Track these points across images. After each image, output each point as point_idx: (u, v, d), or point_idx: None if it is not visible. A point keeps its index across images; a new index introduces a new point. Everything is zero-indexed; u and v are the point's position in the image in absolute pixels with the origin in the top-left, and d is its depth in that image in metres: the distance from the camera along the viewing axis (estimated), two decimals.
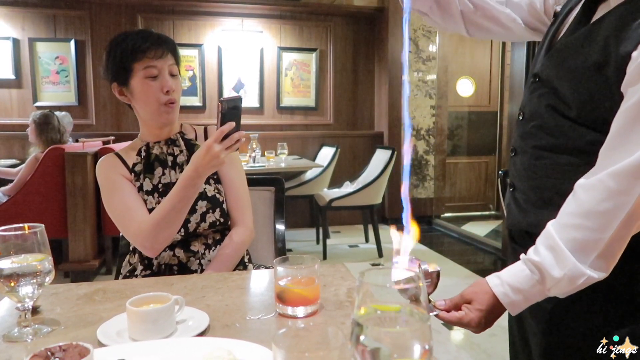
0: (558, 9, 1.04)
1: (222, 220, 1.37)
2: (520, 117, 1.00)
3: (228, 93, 5.04)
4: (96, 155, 3.38)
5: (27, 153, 3.83)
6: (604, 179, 0.76)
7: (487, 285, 0.85)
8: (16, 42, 4.58)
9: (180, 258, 1.34)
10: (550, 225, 0.82)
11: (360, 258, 3.95)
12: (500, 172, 1.94)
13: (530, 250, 0.83)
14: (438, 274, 0.86)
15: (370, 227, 4.17)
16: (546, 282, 0.80)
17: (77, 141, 3.76)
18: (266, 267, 1.54)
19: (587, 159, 0.83)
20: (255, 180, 1.78)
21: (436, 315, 0.86)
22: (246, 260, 1.46)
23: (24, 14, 4.60)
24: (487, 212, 5.64)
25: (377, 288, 0.55)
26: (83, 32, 4.71)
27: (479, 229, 4.83)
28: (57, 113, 3.60)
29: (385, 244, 3.98)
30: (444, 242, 4.56)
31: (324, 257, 3.90)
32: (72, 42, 4.65)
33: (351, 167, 4.95)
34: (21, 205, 3.26)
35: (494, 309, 0.84)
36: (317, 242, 4.36)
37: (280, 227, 1.71)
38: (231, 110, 1.13)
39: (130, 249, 1.41)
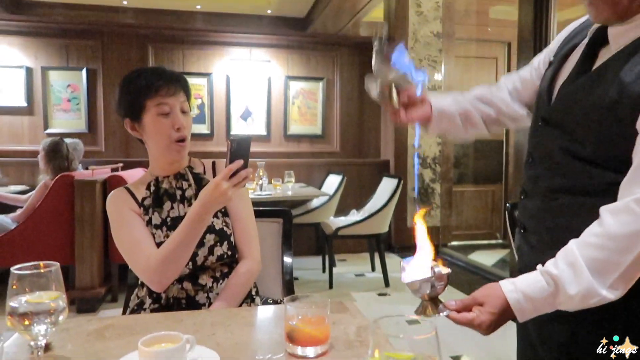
0: (552, 58, 1.07)
1: (229, 253, 1.38)
2: (530, 160, 1.02)
3: (236, 121, 5.11)
4: (105, 183, 3.41)
5: (37, 180, 3.87)
6: (631, 205, 0.78)
7: (500, 289, 0.85)
8: (29, 71, 4.69)
9: (189, 291, 1.34)
10: (573, 242, 0.83)
11: (366, 287, 3.92)
12: (507, 204, 1.94)
13: (549, 263, 0.84)
14: (449, 276, 0.88)
15: (376, 255, 4.15)
16: (559, 296, 0.81)
17: (86, 168, 3.80)
18: (274, 301, 1.54)
19: (602, 199, 0.84)
20: (263, 211, 1.79)
21: (447, 316, 0.87)
22: (253, 293, 1.46)
23: (37, 44, 4.72)
24: (494, 241, 5.61)
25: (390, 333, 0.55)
26: (95, 61, 4.81)
27: (486, 258, 4.79)
28: (67, 140, 3.65)
29: (391, 273, 3.95)
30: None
31: (330, 286, 3.87)
32: (84, 71, 4.75)
33: (357, 195, 4.96)
34: (29, 232, 3.28)
35: (505, 313, 0.84)
36: (323, 271, 4.33)
37: (288, 259, 1.71)
38: (240, 149, 1.16)
39: (139, 282, 1.41)
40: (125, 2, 8.84)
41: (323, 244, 4.35)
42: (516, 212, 1.12)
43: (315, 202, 4.51)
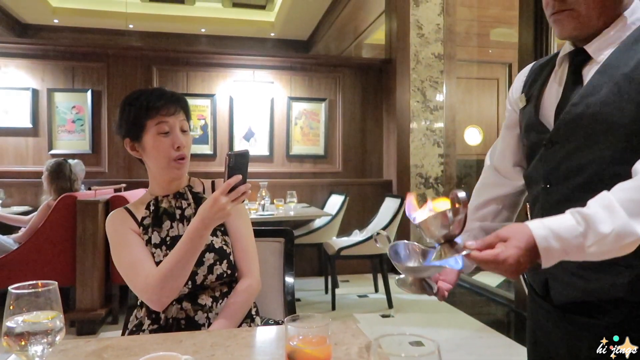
0: (523, 93, 1.10)
1: (229, 272, 1.37)
2: (546, 186, 0.99)
3: (239, 142, 5.13)
4: (107, 204, 3.41)
5: (40, 200, 3.87)
6: None
7: (526, 227, 0.78)
8: (35, 93, 4.74)
9: (188, 311, 1.33)
10: (605, 191, 0.79)
11: (369, 309, 3.87)
12: None
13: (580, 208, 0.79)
14: (466, 203, 0.76)
15: (379, 276, 4.11)
16: (589, 236, 0.75)
17: (89, 189, 3.81)
18: (275, 321, 1.52)
19: None
20: (264, 231, 1.78)
21: (466, 256, 0.78)
22: (253, 312, 1.44)
23: (44, 66, 4.79)
24: None
25: (392, 350, 0.54)
26: (100, 83, 4.87)
27: (491, 279, 4.74)
28: (69, 161, 3.67)
29: (395, 294, 3.91)
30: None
31: (333, 308, 3.83)
32: (89, 92, 4.80)
33: (360, 215, 4.94)
34: (31, 253, 3.27)
35: (532, 252, 0.77)
36: (326, 292, 4.29)
37: (290, 279, 1.70)
38: (238, 164, 1.16)
39: (138, 302, 1.40)
40: (131, 26, 9.00)
41: (325, 264, 4.32)
42: None
43: (317, 222, 4.50)
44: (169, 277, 1.22)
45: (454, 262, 0.83)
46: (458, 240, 0.80)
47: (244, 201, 1.20)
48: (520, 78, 1.15)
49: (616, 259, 0.86)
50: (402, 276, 0.93)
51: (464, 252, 0.77)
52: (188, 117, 1.39)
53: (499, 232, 0.79)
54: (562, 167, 0.95)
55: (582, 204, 0.90)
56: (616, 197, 0.76)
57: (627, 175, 0.82)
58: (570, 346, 0.96)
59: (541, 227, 0.77)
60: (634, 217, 0.74)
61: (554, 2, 0.94)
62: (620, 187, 0.77)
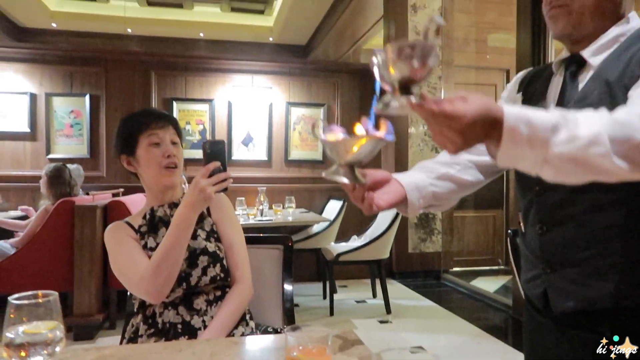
0: (519, 94, 1.10)
1: (222, 275, 1.42)
2: (541, 190, 0.97)
3: (237, 146, 5.13)
4: (105, 209, 3.41)
5: (38, 205, 3.87)
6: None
7: (495, 103, 0.70)
8: (33, 97, 4.74)
9: (184, 316, 1.36)
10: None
11: (367, 314, 3.87)
12: (509, 231, 1.93)
13: None
14: (439, 29, 0.62)
15: (377, 282, 4.11)
16: (561, 132, 0.68)
17: (87, 193, 3.80)
18: (274, 329, 1.53)
19: None
20: (263, 238, 1.78)
21: (418, 105, 0.66)
22: (247, 317, 1.47)
23: (42, 70, 4.78)
24: (495, 267, 5.56)
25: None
26: (98, 88, 4.87)
27: (489, 285, 4.75)
28: (68, 165, 3.66)
29: (393, 300, 3.91)
30: (453, 298, 4.47)
31: (331, 313, 3.82)
32: (87, 97, 4.80)
33: (358, 221, 4.93)
34: (29, 258, 3.26)
35: (490, 124, 0.67)
36: (324, 297, 4.28)
37: (289, 287, 1.70)
38: (215, 151, 1.24)
39: (135, 309, 1.43)
40: (129, 30, 9.01)
41: (324, 270, 4.31)
42: (517, 239, 1.10)
43: (316, 228, 4.50)
44: (162, 266, 1.27)
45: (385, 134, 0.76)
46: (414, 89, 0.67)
47: (227, 189, 1.25)
48: (515, 80, 1.15)
49: (616, 263, 0.86)
50: (333, 167, 0.84)
51: (415, 101, 0.65)
52: (178, 132, 1.49)
53: (461, 93, 0.68)
54: None
55: (580, 206, 0.90)
56: (602, 118, 0.71)
57: None
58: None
59: (514, 109, 0.69)
60: (613, 132, 0.68)
61: None
62: (612, 114, 0.73)
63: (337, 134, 0.81)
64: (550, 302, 0.98)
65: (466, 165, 1.07)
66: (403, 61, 0.64)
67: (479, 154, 1.08)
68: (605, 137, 0.68)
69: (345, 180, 0.83)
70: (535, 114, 0.69)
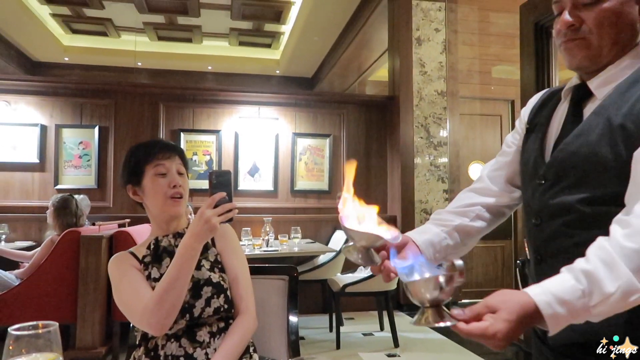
0: (528, 126, 1.10)
1: (226, 306, 1.40)
2: (538, 222, 0.98)
3: (243, 177, 5.15)
4: (111, 239, 3.40)
5: (44, 236, 3.87)
6: None
7: (518, 295, 0.74)
8: (43, 128, 4.81)
9: (187, 348, 1.34)
10: (603, 239, 0.76)
11: (375, 347, 3.79)
12: (518, 261, 1.90)
13: (580, 260, 0.75)
14: (462, 272, 0.72)
15: (385, 314, 4.03)
16: (594, 295, 0.71)
17: (93, 224, 3.81)
18: None
19: None
20: (268, 268, 1.76)
21: (453, 327, 0.73)
22: (251, 350, 1.45)
23: (53, 102, 4.88)
24: None
25: None
26: (107, 119, 4.94)
27: None
28: (75, 196, 3.68)
29: (401, 333, 3.83)
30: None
31: (337, 346, 3.74)
32: (96, 129, 4.86)
33: None
34: (32, 289, 3.24)
35: (524, 321, 0.72)
36: (330, 330, 4.20)
37: (294, 318, 1.67)
38: (221, 182, 1.24)
39: (137, 342, 1.41)
40: (139, 64, 9.21)
41: (330, 301, 4.25)
42: (527, 270, 1.09)
43: (322, 259, 4.46)
44: (165, 297, 1.24)
45: (391, 236, 0.85)
46: (445, 307, 0.75)
47: (232, 220, 1.24)
48: (531, 103, 1.14)
49: None
50: (350, 243, 0.91)
51: (449, 323, 0.73)
52: (184, 162, 1.49)
53: (487, 301, 0.75)
54: (552, 204, 0.95)
55: (571, 240, 0.90)
56: (615, 249, 0.73)
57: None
58: None
59: (542, 293, 0.73)
60: (636, 272, 0.71)
61: (566, 30, 0.94)
62: (617, 240, 0.74)
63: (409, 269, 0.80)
64: (548, 334, 0.97)
65: (480, 211, 1.12)
66: (434, 289, 0.73)
67: (488, 195, 1.14)
68: (632, 279, 0.71)
69: (360, 262, 0.90)
70: (561, 288, 0.72)
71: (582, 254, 0.86)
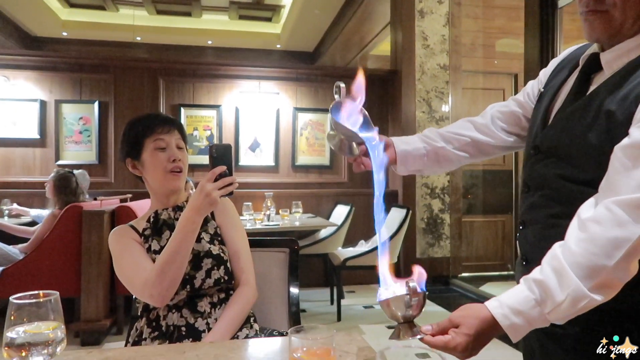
0: (542, 89, 1.08)
1: (226, 277, 1.41)
2: (526, 190, 1.01)
3: (244, 152, 5.14)
4: (113, 214, 3.42)
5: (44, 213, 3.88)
6: (612, 207, 0.76)
7: (478, 309, 0.83)
8: (43, 104, 4.78)
9: (188, 318, 1.36)
10: (558, 246, 0.81)
11: (375, 320, 3.84)
12: (518, 234, 1.91)
13: (536, 269, 0.81)
14: (425, 295, 0.85)
15: None
16: (547, 303, 0.78)
17: (95, 199, 3.82)
18: (279, 332, 1.51)
19: None
20: (269, 241, 1.77)
21: (421, 339, 0.84)
22: (252, 320, 1.47)
23: (52, 78, 4.83)
24: (505, 272, 5.50)
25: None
26: (107, 94, 4.90)
27: (498, 290, 4.67)
28: (74, 171, 3.68)
29: None
30: (462, 304, 4.40)
31: (339, 319, 3.80)
32: (96, 104, 4.83)
33: (366, 226, 4.92)
34: (36, 263, 3.27)
35: (483, 334, 0.81)
36: (332, 303, 4.26)
37: (294, 290, 1.68)
38: (221, 155, 1.24)
39: (138, 313, 1.43)
40: (138, 38, 9.10)
41: (331, 275, 4.29)
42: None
43: (323, 233, 4.48)
44: (166, 269, 1.25)
45: (379, 156, 0.97)
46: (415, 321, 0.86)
47: (232, 193, 1.25)
48: (553, 64, 1.12)
49: None
50: (331, 132, 1.03)
51: (419, 336, 0.83)
52: (184, 136, 1.49)
53: (451, 317, 0.84)
54: (537, 175, 0.98)
55: (547, 211, 0.94)
56: (566, 258, 0.77)
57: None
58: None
59: (499, 306, 0.80)
60: (584, 279, 0.75)
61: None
62: (574, 239, 0.78)
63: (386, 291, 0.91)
64: None
65: (467, 144, 1.17)
66: (405, 307, 0.85)
67: (484, 133, 1.16)
68: (580, 287, 0.75)
69: (338, 151, 1.07)
70: (516, 299, 0.80)
71: (556, 225, 0.91)
